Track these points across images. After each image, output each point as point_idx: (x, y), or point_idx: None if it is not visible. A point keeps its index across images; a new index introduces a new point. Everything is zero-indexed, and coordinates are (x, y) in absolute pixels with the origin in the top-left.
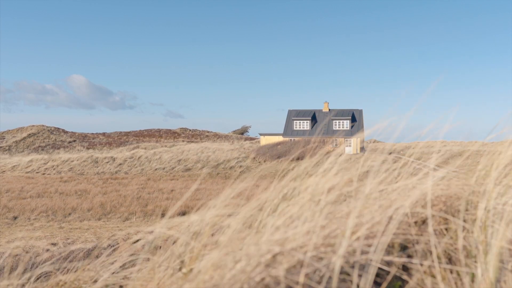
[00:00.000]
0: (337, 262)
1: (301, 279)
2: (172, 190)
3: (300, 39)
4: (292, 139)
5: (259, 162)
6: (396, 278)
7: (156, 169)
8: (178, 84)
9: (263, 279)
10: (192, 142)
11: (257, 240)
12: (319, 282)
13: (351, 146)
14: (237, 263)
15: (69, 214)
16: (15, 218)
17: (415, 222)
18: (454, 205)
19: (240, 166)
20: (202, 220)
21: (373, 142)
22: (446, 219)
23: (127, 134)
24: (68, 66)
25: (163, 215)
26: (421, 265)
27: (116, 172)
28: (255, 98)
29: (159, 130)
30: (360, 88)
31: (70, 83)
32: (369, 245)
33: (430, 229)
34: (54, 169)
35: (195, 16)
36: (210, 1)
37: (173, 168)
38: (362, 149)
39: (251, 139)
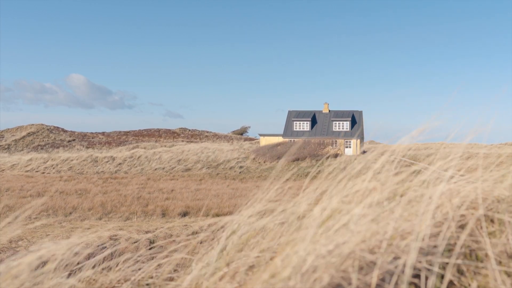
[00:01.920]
0: (408, 262)
1: (374, 280)
2: (172, 190)
3: (300, 40)
4: (292, 140)
5: (259, 162)
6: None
7: (155, 169)
8: (178, 84)
9: (333, 279)
10: (192, 142)
11: (324, 240)
12: (388, 282)
13: (351, 147)
14: (304, 264)
15: (70, 213)
16: (16, 217)
17: (461, 226)
18: (495, 208)
19: (240, 167)
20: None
21: (373, 143)
22: (492, 220)
23: (126, 133)
24: (67, 65)
25: (163, 215)
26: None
27: (115, 172)
28: (255, 99)
29: (158, 130)
30: (360, 89)
31: (70, 83)
32: (434, 246)
33: (484, 229)
34: (53, 168)
35: (195, 16)
36: (210, 1)
37: (173, 168)
38: (362, 150)
39: (251, 139)
